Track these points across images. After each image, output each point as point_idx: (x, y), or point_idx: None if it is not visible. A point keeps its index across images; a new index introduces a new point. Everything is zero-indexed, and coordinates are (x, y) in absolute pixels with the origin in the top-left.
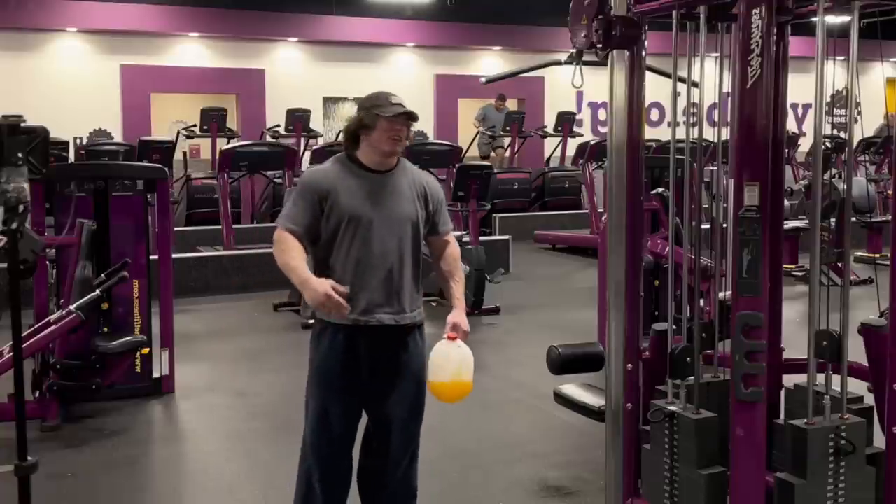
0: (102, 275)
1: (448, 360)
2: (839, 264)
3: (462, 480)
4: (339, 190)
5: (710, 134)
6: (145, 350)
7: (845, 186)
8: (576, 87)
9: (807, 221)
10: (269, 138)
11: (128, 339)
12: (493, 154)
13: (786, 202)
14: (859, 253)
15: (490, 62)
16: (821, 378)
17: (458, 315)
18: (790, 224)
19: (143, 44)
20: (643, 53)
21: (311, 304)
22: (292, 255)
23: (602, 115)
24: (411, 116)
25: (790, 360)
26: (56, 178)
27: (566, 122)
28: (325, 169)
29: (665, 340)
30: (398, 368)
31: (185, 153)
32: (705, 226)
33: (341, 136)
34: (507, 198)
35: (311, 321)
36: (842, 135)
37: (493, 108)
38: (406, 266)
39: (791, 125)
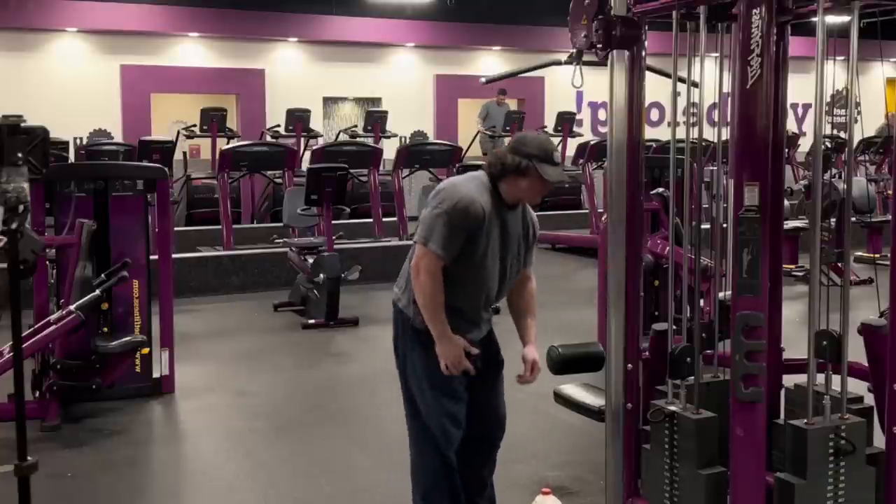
0: (102, 275)
1: None
2: (839, 264)
3: None
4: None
5: (710, 134)
6: (145, 350)
7: (845, 186)
8: (576, 87)
9: (807, 221)
10: (269, 138)
11: (128, 339)
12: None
13: (786, 202)
14: (859, 253)
15: (490, 62)
16: (821, 378)
17: (533, 351)
18: (790, 224)
19: (143, 44)
20: (643, 53)
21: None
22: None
23: (602, 115)
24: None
25: (790, 360)
26: (56, 178)
27: (566, 122)
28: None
29: (665, 340)
30: None
31: (185, 153)
32: (705, 226)
33: (490, 161)
34: None
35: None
36: (842, 135)
37: (494, 105)
38: None
39: (791, 125)
